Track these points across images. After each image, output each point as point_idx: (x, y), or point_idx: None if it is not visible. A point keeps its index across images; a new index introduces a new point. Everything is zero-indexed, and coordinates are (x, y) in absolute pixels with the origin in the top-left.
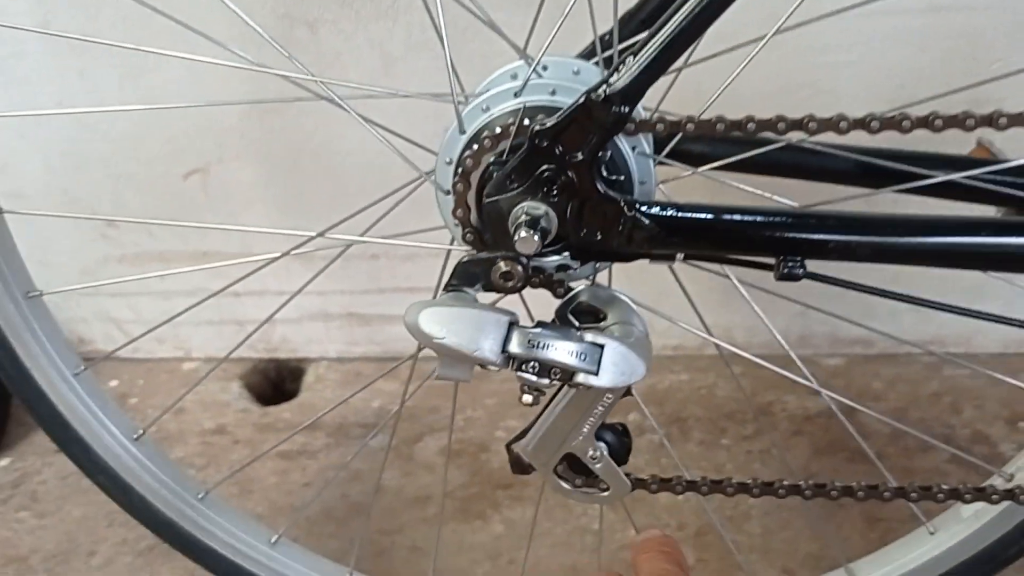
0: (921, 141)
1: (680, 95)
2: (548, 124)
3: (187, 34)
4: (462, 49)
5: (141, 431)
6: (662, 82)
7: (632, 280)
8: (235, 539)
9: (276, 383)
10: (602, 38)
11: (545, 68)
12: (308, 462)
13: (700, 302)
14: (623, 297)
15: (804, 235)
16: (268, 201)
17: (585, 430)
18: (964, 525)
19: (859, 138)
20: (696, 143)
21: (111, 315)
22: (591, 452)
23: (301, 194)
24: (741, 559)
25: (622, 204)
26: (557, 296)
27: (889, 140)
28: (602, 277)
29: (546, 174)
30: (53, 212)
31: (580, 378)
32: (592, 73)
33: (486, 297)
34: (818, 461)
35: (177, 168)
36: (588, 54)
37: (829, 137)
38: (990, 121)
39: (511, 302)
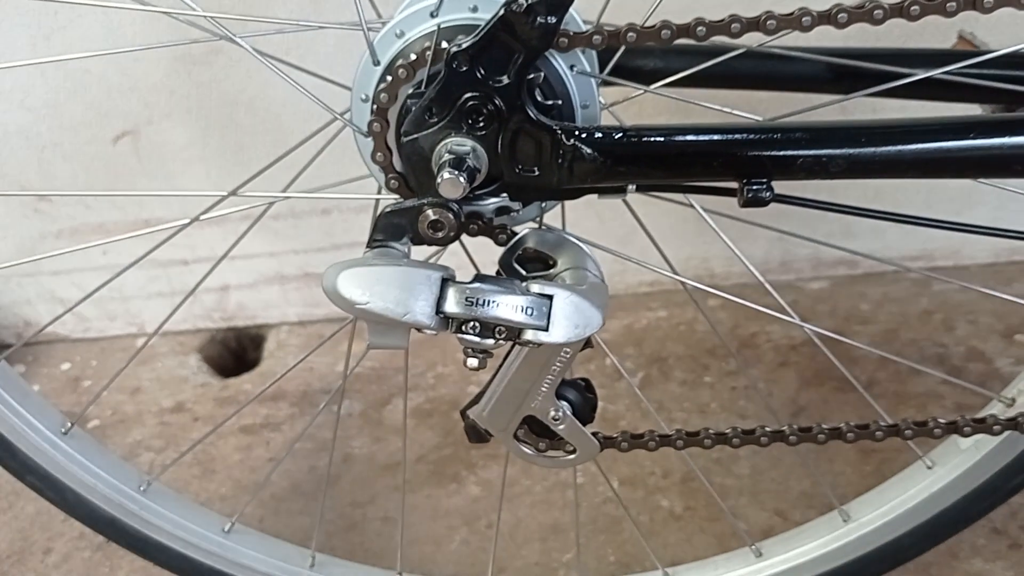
0: (899, 38)
1: (630, 5)
2: (465, 45)
3: None
4: None
5: (70, 424)
6: None
7: (602, 217)
8: (184, 531)
9: (237, 353)
10: None
11: None
12: (272, 435)
13: (674, 233)
14: (574, 239)
15: (768, 152)
16: (207, 160)
17: (544, 389)
18: (964, 457)
19: (829, 36)
20: (648, 58)
21: (56, 294)
22: (552, 413)
23: (241, 149)
24: (730, 504)
25: (559, 132)
26: (499, 244)
27: (863, 38)
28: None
29: (469, 104)
30: None
31: (529, 335)
32: None
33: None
34: (806, 392)
35: (105, 132)
36: None
37: (794, 39)
38: (973, 4)
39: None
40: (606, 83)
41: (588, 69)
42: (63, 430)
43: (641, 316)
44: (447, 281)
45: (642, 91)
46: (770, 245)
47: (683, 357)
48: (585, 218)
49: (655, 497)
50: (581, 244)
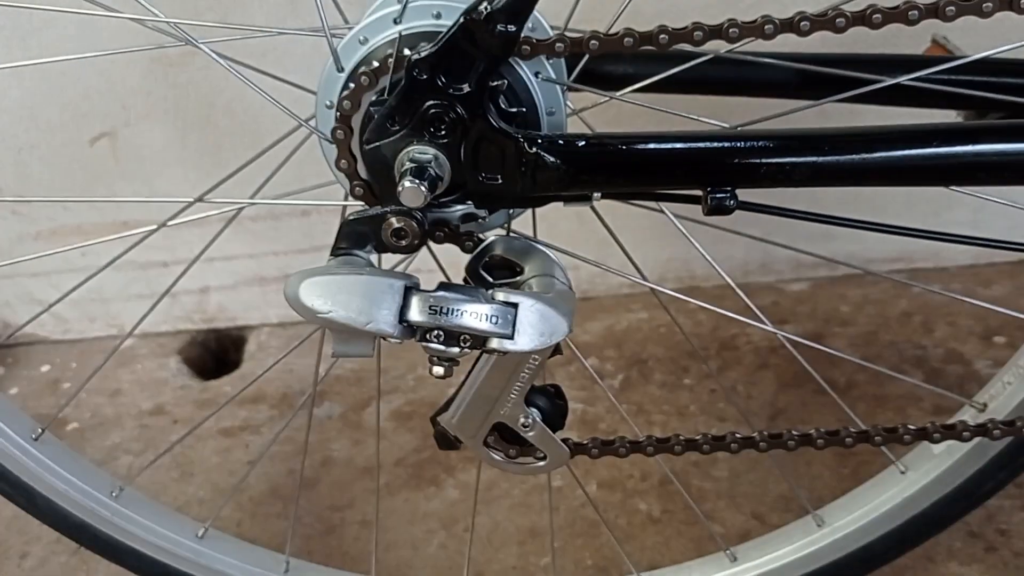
0: (869, 43)
1: (603, 9)
2: (426, 52)
3: None
4: None
5: (40, 430)
6: None
7: (581, 219)
8: (157, 536)
9: (218, 355)
10: None
11: None
12: (252, 438)
13: (654, 236)
14: (540, 246)
15: (731, 161)
16: (185, 162)
17: (513, 396)
18: (936, 462)
19: (802, 42)
20: (616, 63)
21: (35, 296)
22: (522, 419)
23: (219, 151)
24: (708, 507)
25: (521, 141)
26: (466, 251)
27: (839, 44)
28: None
29: (431, 112)
30: None
31: (494, 344)
32: None
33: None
34: (785, 395)
35: (82, 134)
36: None
37: (763, 45)
38: (935, 12)
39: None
40: (575, 89)
41: (554, 76)
42: (34, 436)
43: (622, 318)
44: (411, 289)
45: (608, 98)
46: (750, 247)
47: (663, 359)
48: (563, 220)
49: (633, 500)
50: (548, 251)
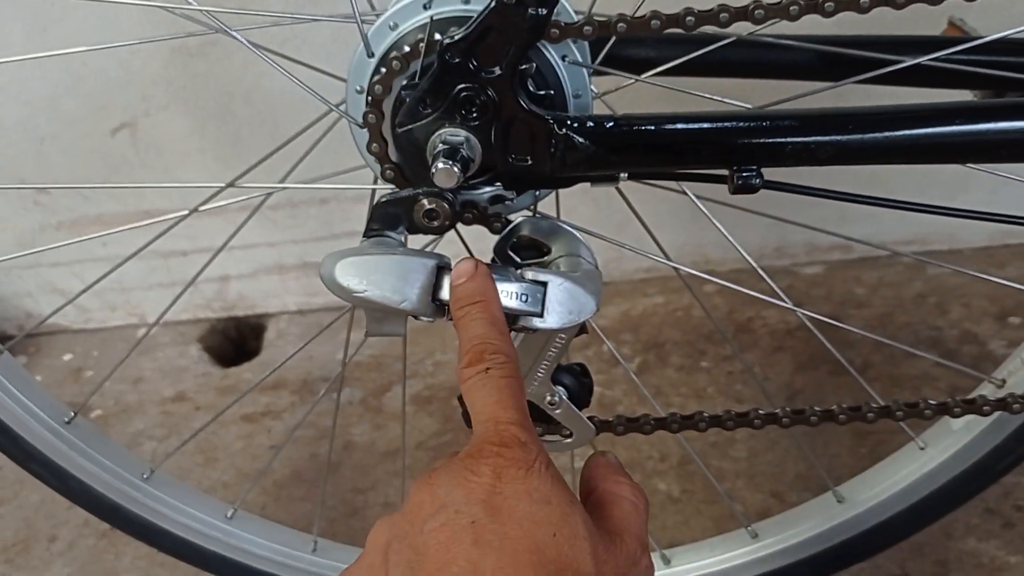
0: (887, 25)
1: None
2: (458, 36)
3: None
4: None
5: (73, 414)
6: None
7: (598, 204)
8: (188, 517)
9: (237, 343)
10: None
11: None
12: (273, 423)
13: (669, 220)
14: (567, 227)
15: (757, 140)
16: (205, 151)
17: (540, 375)
18: (955, 438)
19: (816, 25)
20: (638, 47)
21: (56, 286)
22: (549, 398)
23: (238, 140)
24: (727, 487)
25: (551, 122)
26: (494, 232)
27: (852, 26)
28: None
29: (463, 95)
30: None
31: (523, 321)
32: None
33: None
34: (801, 376)
35: (102, 125)
36: None
37: (782, 27)
38: None
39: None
40: (598, 72)
41: (580, 59)
42: (66, 420)
43: (638, 302)
44: (443, 269)
45: (632, 80)
46: (765, 231)
47: (680, 343)
48: (582, 205)
49: (653, 480)
50: (575, 231)
